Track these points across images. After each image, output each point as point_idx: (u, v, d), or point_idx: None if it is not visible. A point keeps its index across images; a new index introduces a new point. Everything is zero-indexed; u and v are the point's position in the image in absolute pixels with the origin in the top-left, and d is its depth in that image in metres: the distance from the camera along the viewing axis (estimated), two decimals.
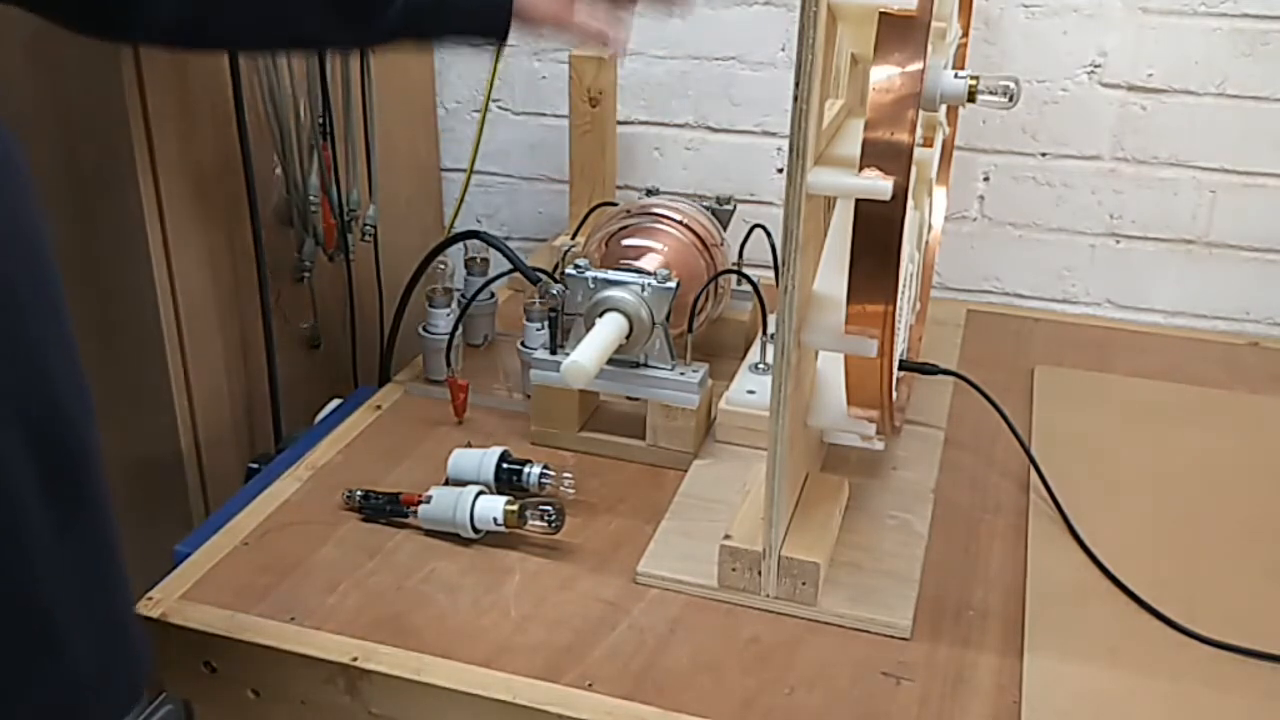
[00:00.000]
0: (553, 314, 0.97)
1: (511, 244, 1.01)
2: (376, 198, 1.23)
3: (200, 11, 0.80)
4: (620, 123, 1.34)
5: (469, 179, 1.46)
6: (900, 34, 0.65)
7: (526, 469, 0.89)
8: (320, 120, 1.14)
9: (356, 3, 0.83)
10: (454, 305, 1.07)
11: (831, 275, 0.74)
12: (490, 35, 0.87)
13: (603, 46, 0.93)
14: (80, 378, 0.60)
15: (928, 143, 0.85)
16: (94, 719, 0.61)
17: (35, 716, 0.58)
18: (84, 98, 0.94)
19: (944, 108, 0.85)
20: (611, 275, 0.94)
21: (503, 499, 0.86)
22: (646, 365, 0.96)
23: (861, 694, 0.73)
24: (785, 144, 0.94)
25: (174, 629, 0.78)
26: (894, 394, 0.80)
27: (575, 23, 0.89)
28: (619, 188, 1.34)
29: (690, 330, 0.98)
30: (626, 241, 1.05)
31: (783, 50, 1.30)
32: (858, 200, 0.66)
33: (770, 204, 1.36)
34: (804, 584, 0.79)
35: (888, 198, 0.65)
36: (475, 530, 0.85)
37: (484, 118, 1.43)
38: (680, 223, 1.05)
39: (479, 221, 1.49)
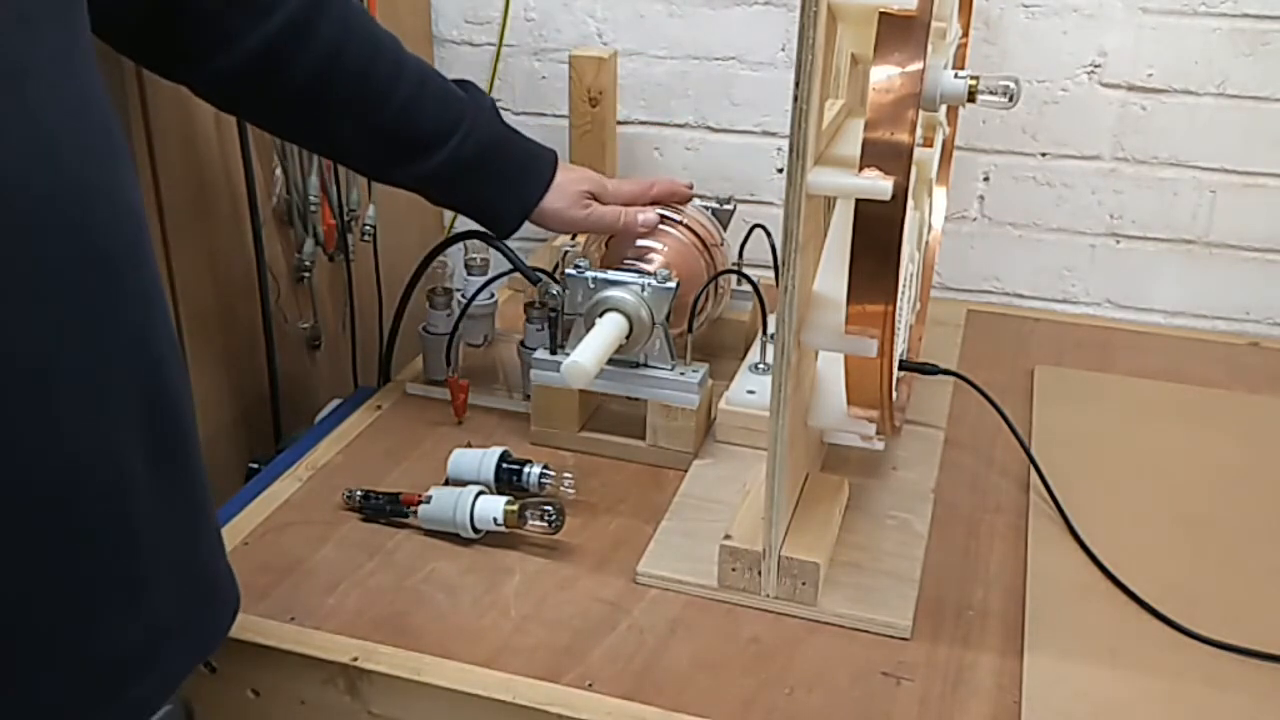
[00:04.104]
0: (553, 314, 0.97)
1: (511, 244, 1.01)
2: (376, 198, 1.23)
3: (263, 83, 0.85)
4: (620, 123, 1.34)
5: None
6: (900, 34, 0.65)
7: (526, 469, 0.89)
8: None
9: (402, 148, 0.90)
10: (454, 305, 1.07)
11: (831, 275, 0.74)
12: (497, 229, 0.97)
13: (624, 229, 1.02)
14: (175, 349, 0.64)
15: (928, 143, 0.85)
16: (170, 661, 0.64)
17: (113, 653, 0.60)
18: None
19: (944, 108, 0.85)
20: (611, 275, 0.94)
21: (503, 499, 0.86)
22: (646, 365, 0.96)
23: (861, 694, 0.73)
24: (785, 144, 0.94)
25: None
26: (894, 394, 0.80)
27: (592, 224, 0.99)
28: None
29: (690, 330, 0.98)
30: (626, 242, 1.04)
31: (783, 50, 1.30)
32: (858, 200, 0.66)
33: (770, 204, 1.36)
34: (804, 584, 0.79)
35: (888, 198, 0.65)
36: (475, 530, 0.85)
37: None
38: (680, 223, 1.04)
39: None
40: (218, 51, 0.82)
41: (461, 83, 0.94)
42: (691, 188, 1.07)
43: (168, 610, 0.63)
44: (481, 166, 0.93)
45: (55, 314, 0.54)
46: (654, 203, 1.03)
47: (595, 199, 0.99)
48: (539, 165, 0.97)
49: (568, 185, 0.97)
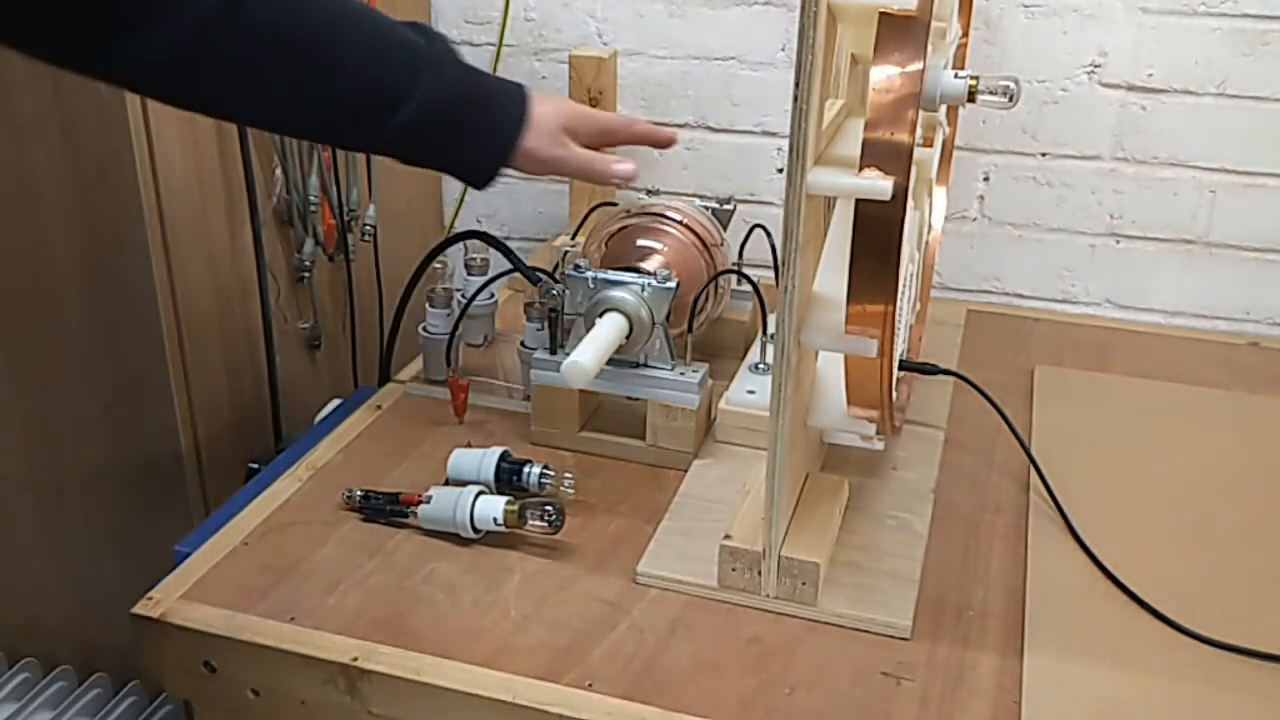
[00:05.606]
0: (553, 314, 0.97)
1: (511, 244, 1.01)
2: (376, 198, 1.23)
3: (190, 70, 0.73)
4: None
5: None
6: (900, 34, 0.65)
7: (526, 469, 0.89)
8: None
9: (359, 110, 0.79)
10: (454, 305, 1.07)
11: (831, 275, 0.74)
12: (475, 180, 0.86)
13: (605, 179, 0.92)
14: None
15: (928, 143, 0.85)
16: None
17: None
18: (84, 98, 0.94)
19: (944, 108, 0.85)
20: (611, 275, 0.94)
21: (503, 499, 0.86)
22: (646, 365, 0.96)
23: (861, 694, 0.73)
24: (785, 144, 0.94)
25: (174, 629, 0.78)
26: (894, 394, 0.80)
27: (572, 165, 0.89)
28: (619, 188, 1.34)
29: (690, 330, 0.98)
30: (626, 242, 1.05)
31: (783, 50, 1.30)
32: (858, 200, 0.66)
33: (770, 204, 1.36)
34: (804, 584, 0.79)
35: (888, 198, 0.65)
36: (475, 530, 0.85)
37: None
38: (680, 223, 1.05)
39: (479, 222, 1.49)
40: (140, 33, 0.69)
41: (414, 25, 0.84)
42: (675, 139, 0.99)
43: None
44: (448, 121, 0.83)
45: None
46: (635, 142, 0.96)
47: (572, 135, 0.90)
48: (509, 104, 0.87)
49: (543, 121, 0.87)
